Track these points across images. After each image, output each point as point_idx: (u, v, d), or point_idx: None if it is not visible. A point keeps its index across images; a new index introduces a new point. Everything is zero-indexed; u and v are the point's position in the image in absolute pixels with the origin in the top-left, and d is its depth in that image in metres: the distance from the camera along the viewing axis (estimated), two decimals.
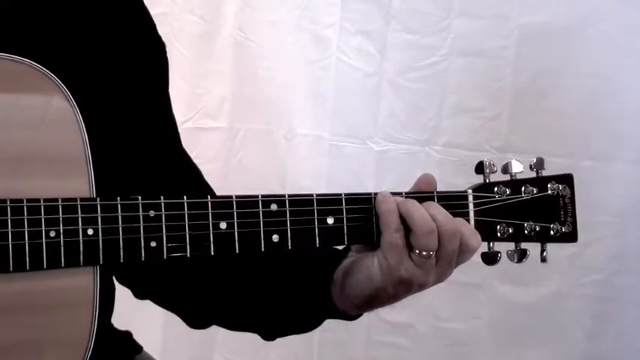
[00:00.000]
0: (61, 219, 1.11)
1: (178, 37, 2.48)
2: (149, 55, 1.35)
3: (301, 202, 1.20)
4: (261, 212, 1.18)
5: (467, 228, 1.22)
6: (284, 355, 2.62)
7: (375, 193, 1.22)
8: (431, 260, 1.19)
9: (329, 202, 1.21)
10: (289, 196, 1.19)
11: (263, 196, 1.18)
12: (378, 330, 2.60)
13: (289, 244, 1.19)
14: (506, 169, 1.29)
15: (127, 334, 1.47)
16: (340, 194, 1.21)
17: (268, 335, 1.37)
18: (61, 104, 1.13)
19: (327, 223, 1.20)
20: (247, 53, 2.54)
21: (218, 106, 2.56)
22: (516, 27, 2.47)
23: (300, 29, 2.54)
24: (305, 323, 1.34)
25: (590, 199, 2.39)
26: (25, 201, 1.09)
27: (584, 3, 2.44)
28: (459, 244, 1.20)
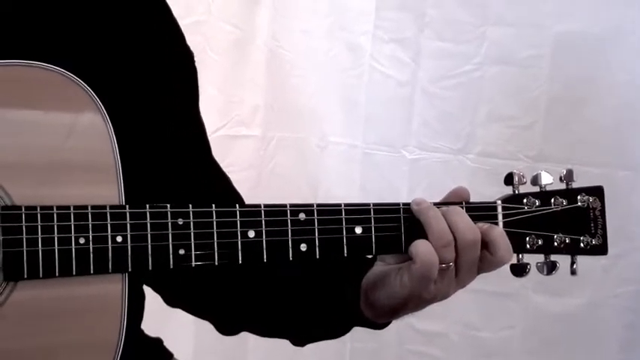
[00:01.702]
0: (90, 226, 1.11)
1: (212, 46, 2.49)
2: (178, 65, 1.36)
3: (329, 211, 1.20)
4: (289, 221, 1.18)
5: (501, 238, 1.21)
6: None
7: (405, 204, 1.22)
8: (450, 271, 1.19)
9: (357, 212, 1.21)
10: (317, 205, 1.19)
11: (291, 205, 1.18)
12: (410, 339, 2.59)
13: (317, 253, 1.19)
14: (535, 180, 1.29)
15: (158, 341, 1.47)
16: (369, 204, 1.21)
17: (298, 341, 1.37)
18: (92, 113, 1.14)
19: (355, 233, 1.20)
20: (280, 61, 2.54)
21: (251, 115, 2.57)
22: (551, 35, 2.46)
23: (334, 37, 2.54)
24: (334, 329, 1.34)
25: (625, 209, 2.38)
26: (55, 208, 1.10)
27: (620, 12, 2.42)
28: (479, 252, 1.20)
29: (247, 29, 2.54)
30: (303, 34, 2.54)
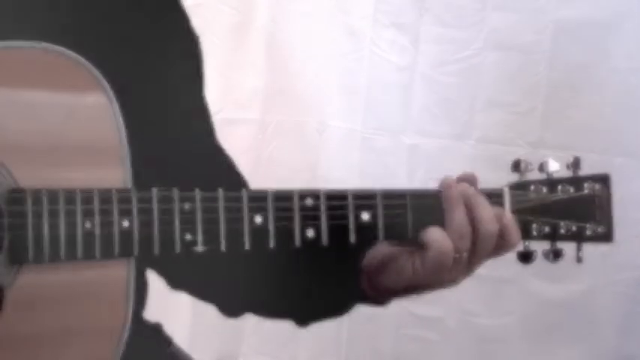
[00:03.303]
0: (96, 209, 1.10)
1: (211, 28, 2.48)
2: (184, 48, 1.35)
3: (337, 197, 1.19)
4: (297, 207, 1.17)
5: (512, 225, 1.21)
6: (312, 348, 2.62)
7: (414, 190, 1.21)
8: (462, 259, 1.19)
9: (365, 198, 1.20)
10: (325, 191, 1.18)
11: (299, 190, 1.18)
12: (407, 324, 2.59)
13: (324, 240, 1.18)
14: (542, 167, 1.28)
15: (158, 326, 1.47)
16: (376, 190, 1.21)
17: (301, 322, 1.37)
18: (98, 94, 1.13)
19: (362, 219, 1.20)
20: (280, 45, 2.53)
21: (250, 98, 2.56)
22: (551, 21, 2.45)
23: (334, 21, 2.53)
24: (337, 308, 1.34)
25: (624, 196, 2.37)
26: (60, 191, 1.09)
27: None
28: (494, 244, 1.20)
29: (247, 12, 2.53)
30: (303, 17, 2.53)
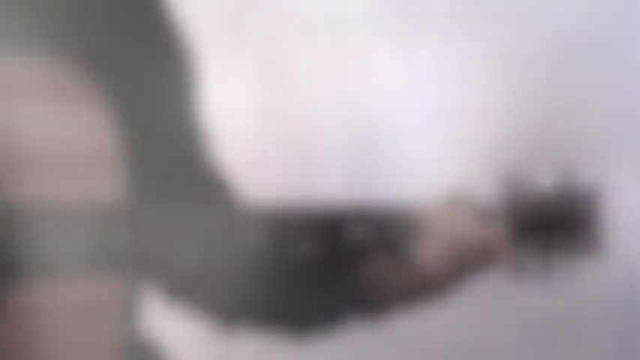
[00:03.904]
0: (92, 223, 1.10)
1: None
2: (176, 55, 1.34)
3: None
4: None
5: (502, 239, 1.22)
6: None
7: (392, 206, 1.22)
8: (450, 273, 1.21)
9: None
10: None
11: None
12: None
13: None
14: (533, 179, 1.29)
15: (151, 338, 1.47)
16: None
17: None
18: (93, 105, 1.13)
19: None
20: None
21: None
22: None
23: None
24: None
25: (617, 209, 2.38)
26: (55, 204, 1.09)
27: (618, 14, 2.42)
28: (480, 255, 1.21)
29: None
30: None
